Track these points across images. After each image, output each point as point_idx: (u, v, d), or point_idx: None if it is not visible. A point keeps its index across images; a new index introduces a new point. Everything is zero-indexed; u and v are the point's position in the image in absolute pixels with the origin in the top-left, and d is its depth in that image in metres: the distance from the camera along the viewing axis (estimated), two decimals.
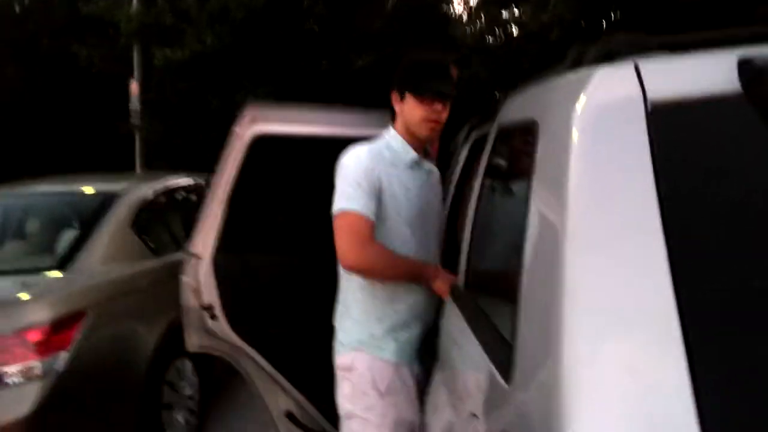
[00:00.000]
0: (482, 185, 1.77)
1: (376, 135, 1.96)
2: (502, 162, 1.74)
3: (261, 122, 2.42)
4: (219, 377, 3.90)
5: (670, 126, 0.99)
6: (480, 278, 1.67)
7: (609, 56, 1.22)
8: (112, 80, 11.02)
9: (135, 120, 10.40)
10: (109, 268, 3.21)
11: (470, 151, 2.66)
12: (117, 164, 10.51)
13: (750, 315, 0.89)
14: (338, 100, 9.32)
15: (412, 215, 1.88)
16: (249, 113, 2.40)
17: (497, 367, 1.18)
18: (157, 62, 9.33)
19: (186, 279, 2.40)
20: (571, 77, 1.22)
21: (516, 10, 9.87)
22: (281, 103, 2.57)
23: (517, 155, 1.53)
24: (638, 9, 7.08)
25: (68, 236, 3.38)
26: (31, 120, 12.15)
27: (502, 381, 1.12)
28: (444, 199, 2.78)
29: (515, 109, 1.61)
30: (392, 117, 1.97)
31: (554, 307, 0.95)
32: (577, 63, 1.38)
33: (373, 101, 2.88)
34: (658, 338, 0.88)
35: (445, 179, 2.99)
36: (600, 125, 1.03)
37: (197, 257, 2.39)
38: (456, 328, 1.64)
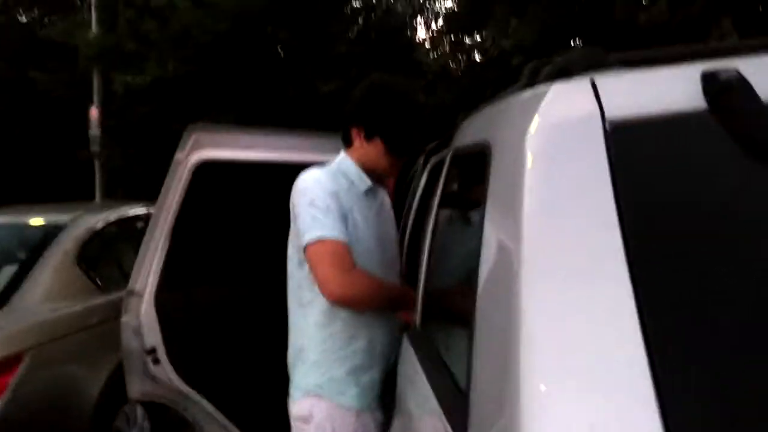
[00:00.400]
0: (437, 214, 1.66)
1: (327, 161, 1.84)
2: (455, 188, 1.63)
3: (205, 147, 2.28)
4: (174, 422, 3.67)
5: (630, 145, 0.89)
6: (435, 315, 1.54)
7: (564, 72, 1.12)
8: (71, 106, 10.77)
9: (94, 146, 10.13)
10: (50, 306, 3.00)
11: (428, 178, 2.56)
12: (76, 193, 10.20)
13: (716, 346, 0.79)
14: (304, 125, 9.23)
15: (372, 245, 1.76)
16: (192, 137, 2.26)
17: (450, 420, 1.05)
18: (117, 88, 9.13)
19: (126, 319, 2.22)
20: (524, 96, 1.12)
21: (478, 37, 10.00)
22: (225, 126, 2.43)
23: (471, 180, 1.42)
24: (598, 34, 7.19)
25: (7, 272, 3.15)
26: None
27: None
28: (403, 228, 2.67)
29: (469, 131, 1.51)
30: (346, 144, 1.83)
31: (510, 351, 0.83)
32: (532, 81, 1.29)
33: (338, 126, 2.78)
34: (626, 388, 0.76)
35: (403, 207, 2.89)
36: (555, 145, 0.93)
37: (138, 295, 2.21)
38: (411, 371, 1.50)
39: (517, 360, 0.79)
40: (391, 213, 2.02)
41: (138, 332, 2.21)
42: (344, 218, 1.65)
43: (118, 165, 9.99)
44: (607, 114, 0.90)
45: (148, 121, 9.37)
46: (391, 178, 2.12)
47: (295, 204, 1.67)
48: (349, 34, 11.12)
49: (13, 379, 2.57)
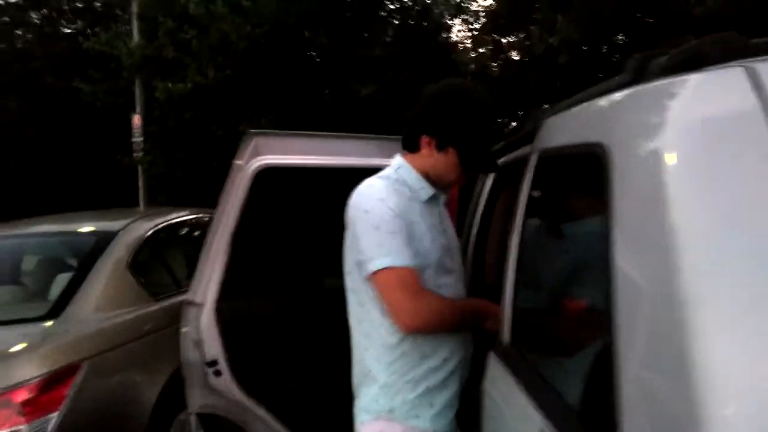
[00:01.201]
0: (524, 224, 1.53)
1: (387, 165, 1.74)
2: (550, 195, 1.50)
3: (265, 153, 2.20)
4: (228, 430, 3.62)
5: None
6: (530, 331, 1.42)
7: (693, 63, 1.00)
8: (114, 114, 10.95)
9: (137, 153, 10.27)
10: (104, 315, 2.97)
11: (495, 181, 2.44)
12: (120, 200, 10.36)
13: None
14: (341, 128, 9.18)
15: (439, 257, 1.64)
16: (252, 143, 2.19)
17: None
18: (159, 95, 9.23)
19: (186, 330, 2.16)
20: (649, 89, 0.99)
21: (520, 35, 9.81)
22: (285, 131, 2.34)
23: (576, 187, 1.30)
24: (648, 29, 6.95)
25: (61, 281, 3.14)
26: (33, 156, 12.07)
27: None
28: (465, 236, 2.55)
29: (563, 131, 1.38)
30: (410, 150, 1.72)
31: (684, 376, 0.69)
32: (640, 75, 1.16)
33: (375, 129, 2.69)
34: None
35: (461, 211, 2.77)
36: (710, 142, 0.80)
37: (198, 305, 2.15)
38: (504, 390, 1.39)
39: (697, 387, 0.67)
40: (450, 220, 1.91)
41: (198, 344, 2.15)
42: (410, 237, 1.55)
43: (160, 171, 10.09)
44: None
45: (189, 126, 9.44)
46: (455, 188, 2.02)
47: (356, 222, 1.57)
48: (385, 37, 11.05)
49: (70, 390, 2.54)
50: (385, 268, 1.50)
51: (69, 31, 13.38)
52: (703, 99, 0.84)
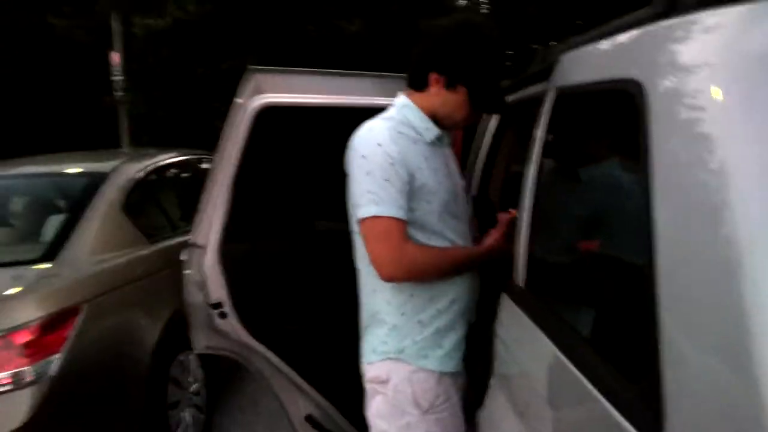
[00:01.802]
0: (541, 165, 1.50)
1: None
2: (570, 136, 1.47)
3: (267, 91, 2.13)
4: (226, 369, 3.68)
5: None
6: (555, 281, 1.42)
7: None
8: (91, 51, 10.56)
9: (118, 92, 9.97)
10: (101, 258, 2.93)
11: (502, 121, 2.39)
12: (101, 140, 10.12)
13: None
14: (327, 67, 8.92)
15: (443, 200, 1.61)
16: (253, 80, 2.11)
17: (620, 410, 0.91)
18: (137, 31, 8.89)
19: (189, 273, 2.14)
20: (693, 20, 0.95)
21: None
22: (287, 68, 2.25)
23: (600, 127, 1.27)
24: None
25: (54, 223, 3.08)
26: (8, 95, 11.66)
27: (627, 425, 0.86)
28: (469, 176, 2.52)
29: (586, 67, 1.33)
30: (416, 88, 1.66)
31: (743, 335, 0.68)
32: (674, 5, 1.11)
33: (363, 67, 2.61)
34: None
35: (464, 151, 2.73)
36: (765, 82, 0.77)
37: (201, 248, 2.12)
38: (518, 332, 1.40)
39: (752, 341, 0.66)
40: (457, 161, 1.87)
41: (202, 286, 2.13)
42: (405, 187, 1.51)
43: (141, 110, 9.84)
44: None
45: (170, 64, 9.16)
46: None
47: (353, 166, 1.54)
48: None
49: (71, 332, 2.54)
50: (372, 217, 1.49)
51: None
52: (757, 33, 0.80)
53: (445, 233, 1.61)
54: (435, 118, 1.64)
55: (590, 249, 1.34)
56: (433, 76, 1.61)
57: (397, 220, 1.49)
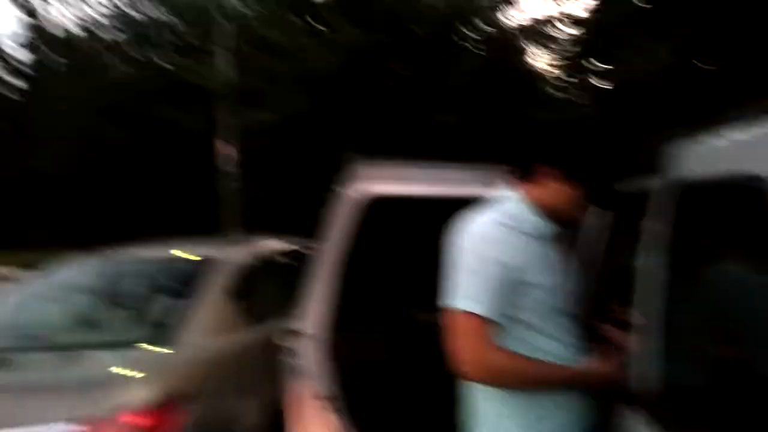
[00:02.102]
0: (673, 267, 1.40)
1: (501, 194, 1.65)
2: (703, 234, 1.38)
3: (376, 181, 2.18)
4: None
5: None
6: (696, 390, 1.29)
7: None
8: (201, 142, 11.43)
9: (229, 181, 10.64)
10: (212, 341, 3.02)
11: (619, 216, 2.30)
12: (200, 226, 10.73)
13: None
14: (423, 155, 9.17)
15: (549, 297, 1.53)
16: (360, 171, 2.16)
17: None
18: (247, 123, 9.58)
19: (296, 362, 2.14)
20: None
21: (599, 63, 9.53)
22: (393, 160, 2.31)
23: (723, 222, 1.19)
24: (746, 53, 6.56)
25: (166, 305, 3.23)
26: (127, 182, 12.71)
27: None
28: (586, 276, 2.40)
29: (705, 161, 1.27)
30: (522, 179, 1.62)
31: None
32: None
33: (459, 157, 2.62)
34: None
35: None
36: None
37: (306, 336, 2.12)
38: None
39: None
40: (572, 256, 1.79)
41: (309, 375, 2.12)
42: (505, 282, 1.45)
43: (249, 199, 10.41)
44: None
45: (277, 154, 9.74)
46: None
47: (450, 256, 1.51)
48: (464, 67, 11.01)
49: (181, 417, 2.55)
50: (457, 310, 1.45)
51: (165, 65, 14.17)
52: None
53: (551, 331, 1.53)
54: (545, 212, 1.59)
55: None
56: (543, 169, 1.58)
57: (482, 318, 1.43)
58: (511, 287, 1.47)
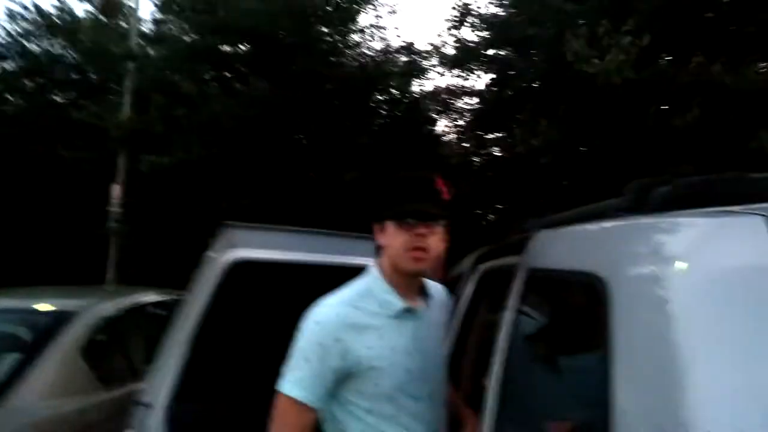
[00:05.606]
0: (510, 340, 1.41)
1: (367, 265, 1.60)
2: (540, 316, 1.41)
3: (240, 245, 2.09)
4: None
5: None
6: None
7: (698, 199, 0.94)
8: (95, 184, 10.85)
9: (111, 223, 10.08)
10: (50, 404, 2.73)
11: (477, 288, 2.34)
12: (91, 270, 10.06)
13: None
14: (325, 211, 9.21)
15: (397, 382, 1.47)
16: (227, 235, 2.08)
17: None
18: (143, 167, 9.18)
19: None
20: (653, 225, 0.92)
21: (500, 134, 10.11)
22: (261, 224, 2.24)
23: (570, 314, 1.21)
24: (624, 135, 7.15)
25: (9, 363, 2.91)
26: (10, 221, 11.80)
27: None
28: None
29: (556, 252, 1.30)
30: (377, 253, 1.57)
31: None
32: (642, 202, 1.10)
33: (358, 214, 2.60)
34: None
35: None
36: (727, 297, 0.72)
37: (147, 407, 1.95)
38: None
39: None
40: (441, 322, 1.72)
41: None
42: (334, 372, 1.41)
43: (132, 242, 9.90)
44: None
45: (168, 201, 9.37)
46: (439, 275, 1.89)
47: (297, 334, 1.46)
48: (373, 126, 11.28)
49: None
50: (282, 394, 1.41)
51: (61, 101, 13.48)
52: (718, 246, 0.76)
53: (400, 418, 1.46)
54: (391, 283, 1.51)
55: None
56: (375, 229, 1.54)
57: (303, 405, 1.39)
58: (346, 373, 1.42)
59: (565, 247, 1.24)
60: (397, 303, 1.50)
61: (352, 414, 1.45)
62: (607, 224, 1.07)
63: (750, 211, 0.77)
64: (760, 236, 0.72)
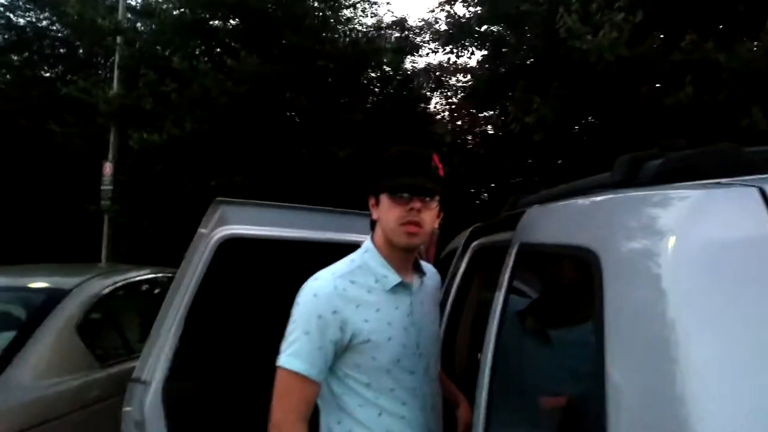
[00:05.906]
0: (503, 316, 1.43)
1: (359, 242, 1.61)
2: (532, 292, 1.42)
3: (231, 222, 2.09)
4: None
5: None
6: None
7: (689, 172, 0.94)
8: (86, 161, 10.77)
9: (104, 201, 10.02)
10: (47, 382, 2.74)
11: (469, 264, 2.35)
12: (84, 247, 10.04)
13: None
14: (317, 188, 9.19)
15: (394, 356, 1.48)
16: (218, 211, 2.07)
17: None
18: (133, 144, 9.09)
19: (128, 410, 1.97)
20: (644, 198, 0.92)
21: (496, 112, 10.10)
22: (252, 201, 2.23)
23: (562, 288, 1.22)
24: (616, 113, 7.15)
25: (3, 341, 2.91)
26: (4, 201, 11.71)
27: None
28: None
29: (547, 227, 1.31)
30: (372, 227, 1.58)
31: None
32: (632, 176, 1.11)
33: (351, 190, 2.60)
34: None
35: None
36: (719, 270, 0.73)
37: (144, 383, 1.97)
38: None
39: None
40: (435, 299, 1.70)
41: (141, 427, 1.96)
42: (333, 344, 1.42)
43: (125, 221, 9.85)
44: None
45: (160, 178, 9.30)
46: (429, 253, 1.90)
47: (294, 307, 1.46)
48: (366, 104, 11.22)
49: None
50: (282, 367, 1.41)
51: (48, 75, 13.30)
52: (711, 218, 0.77)
53: (397, 392, 1.48)
54: (385, 256, 1.52)
55: (550, 402, 1.26)
56: (370, 203, 1.55)
57: (303, 378, 1.39)
58: (345, 345, 1.43)
59: (557, 221, 1.25)
60: (393, 277, 1.51)
61: (350, 388, 1.46)
62: (599, 198, 1.07)
63: (743, 183, 0.77)
64: (754, 208, 0.73)
